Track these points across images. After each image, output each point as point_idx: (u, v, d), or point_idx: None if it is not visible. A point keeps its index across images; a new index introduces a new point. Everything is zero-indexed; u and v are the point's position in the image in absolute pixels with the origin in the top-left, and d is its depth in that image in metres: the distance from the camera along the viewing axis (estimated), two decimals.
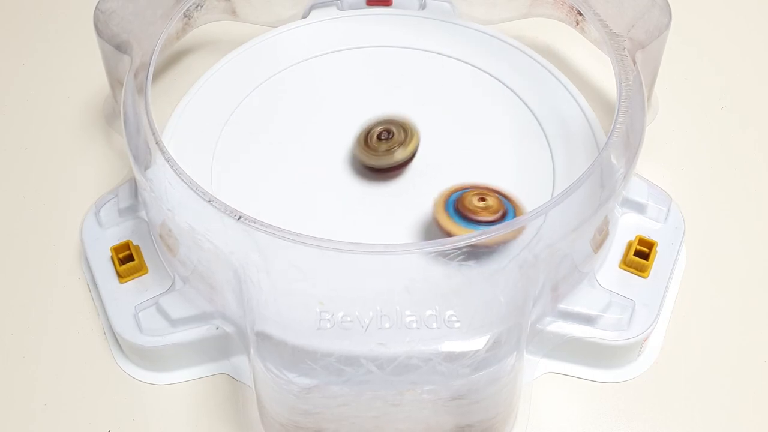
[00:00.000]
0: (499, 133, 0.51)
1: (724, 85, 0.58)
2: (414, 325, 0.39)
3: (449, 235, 0.44)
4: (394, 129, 0.48)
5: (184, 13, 0.53)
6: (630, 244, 0.47)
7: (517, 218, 0.42)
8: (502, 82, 0.53)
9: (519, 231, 0.41)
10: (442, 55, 0.55)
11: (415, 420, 0.41)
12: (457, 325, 0.39)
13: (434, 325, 0.39)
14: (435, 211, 0.45)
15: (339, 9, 0.57)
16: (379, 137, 0.48)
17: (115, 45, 0.48)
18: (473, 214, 0.44)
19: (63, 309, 0.48)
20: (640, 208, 0.48)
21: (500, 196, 0.45)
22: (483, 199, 0.45)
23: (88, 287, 0.48)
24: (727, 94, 0.57)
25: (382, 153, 0.48)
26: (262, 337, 0.39)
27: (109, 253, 0.47)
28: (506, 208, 0.45)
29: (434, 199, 0.46)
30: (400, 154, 0.47)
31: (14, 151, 0.55)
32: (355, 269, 0.40)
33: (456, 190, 0.46)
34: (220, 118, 0.51)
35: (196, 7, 0.54)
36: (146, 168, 0.43)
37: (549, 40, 0.58)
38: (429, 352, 0.38)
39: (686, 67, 0.58)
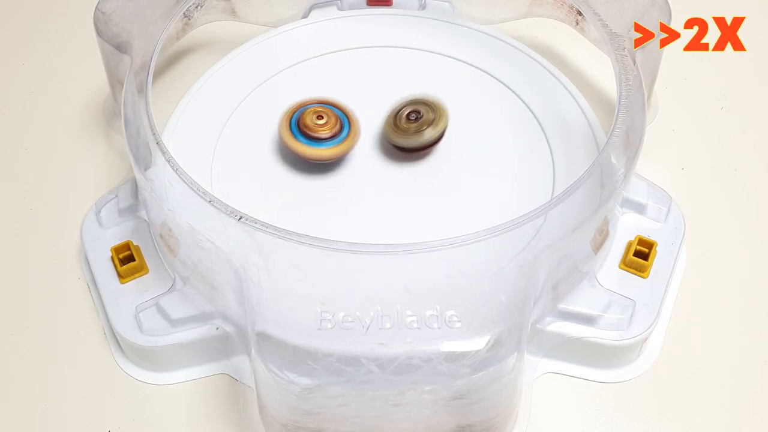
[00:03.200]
0: (499, 133, 0.51)
1: (724, 85, 0.58)
2: (415, 325, 0.39)
3: (294, 152, 0.48)
4: (422, 109, 0.49)
5: (184, 13, 0.53)
6: (630, 244, 0.47)
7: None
8: (502, 82, 0.53)
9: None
10: (442, 55, 0.55)
11: (416, 420, 0.41)
12: (457, 325, 0.39)
13: (435, 325, 0.39)
14: (280, 129, 0.48)
15: (339, 9, 0.57)
16: (408, 117, 0.49)
17: (115, 45, 0.48)
18: (312, 131, 0.48)
19: (63, 309, 0.48)
20: (640, 208, 0.48)
21: (336, 110, 0.48)
22: (320, 117, 0.48)
23: (88, 287, 0.48)
24: (727, 94, 0.57)
25: (411, 133, 0.49)
26: (263, 337, 0.39)
27: (110, 254, 0.46)
28: (342, 121, 0.48)
29: (280, 117, 0.49)
30: (429, 134, 0.48)
31: (14, 151, 0.55)
32: (356, 269, 0.40)
33: (297, 108, 0.49)
34: (220, 118, 0.51)
35: (196, 7, 0.54)
36: (146, 168, 0.43)
37: (549, 40, 0.58)
38: (430, 352, 0.38)
39: (686, 67, 0.58)
